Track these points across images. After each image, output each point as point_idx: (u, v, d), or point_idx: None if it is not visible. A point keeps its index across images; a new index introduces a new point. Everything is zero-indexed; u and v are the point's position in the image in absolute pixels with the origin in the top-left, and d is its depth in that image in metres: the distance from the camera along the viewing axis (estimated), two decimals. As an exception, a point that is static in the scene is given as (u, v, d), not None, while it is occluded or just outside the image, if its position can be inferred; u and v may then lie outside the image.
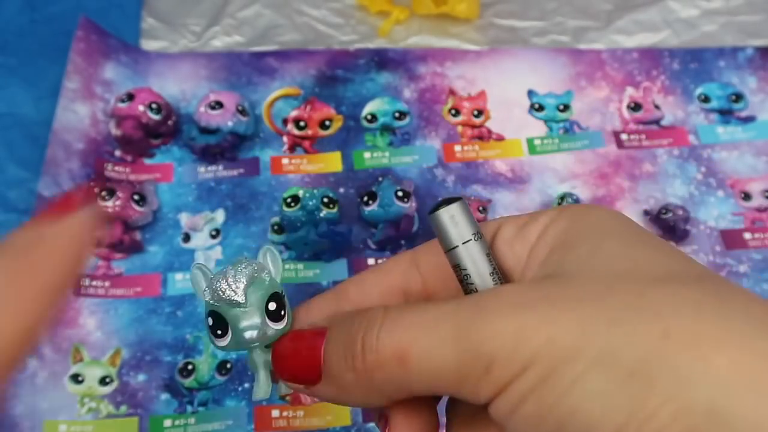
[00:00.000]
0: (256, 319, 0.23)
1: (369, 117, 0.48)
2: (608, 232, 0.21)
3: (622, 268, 0.20)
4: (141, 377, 0.38)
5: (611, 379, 0.18)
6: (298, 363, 0.23)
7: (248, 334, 0.23)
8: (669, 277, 0.20)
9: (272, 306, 0.23)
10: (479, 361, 0.19)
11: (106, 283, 0.41)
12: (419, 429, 0.23)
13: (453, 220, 0.22)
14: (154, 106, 0.46)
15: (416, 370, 0.20)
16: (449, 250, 0.23)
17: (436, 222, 0.23)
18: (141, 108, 0.46)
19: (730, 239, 0.44)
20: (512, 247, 0.23)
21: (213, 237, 0.43)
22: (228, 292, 0.23)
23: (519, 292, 0.20)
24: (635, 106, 0.49)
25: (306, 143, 0.47)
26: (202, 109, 0.46)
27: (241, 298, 0.23)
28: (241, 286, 0.23)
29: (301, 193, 0.44)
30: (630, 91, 0.49)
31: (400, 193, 0.44)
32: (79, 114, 0.45)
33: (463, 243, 0.22)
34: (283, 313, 0.23)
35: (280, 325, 0.23)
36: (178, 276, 0.41)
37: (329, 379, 0.22)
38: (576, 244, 0.21)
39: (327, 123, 0.47)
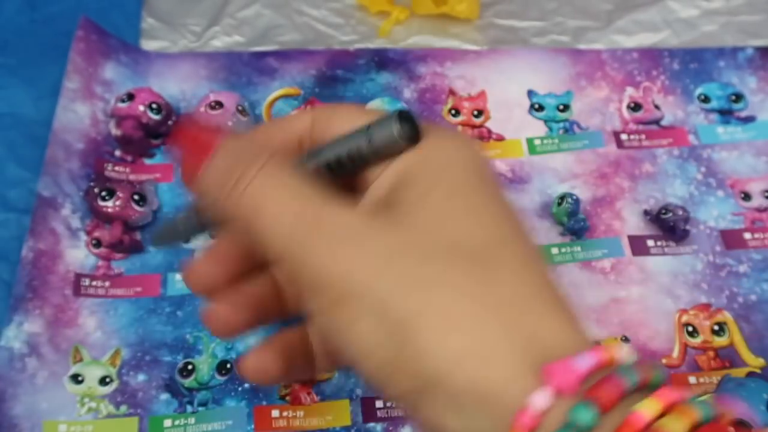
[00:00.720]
0: None
1: (369, 117, 0.48)
2: (441, 179, 0.23)
3: (434, 225, 0.22)
4: (141, 377, 0.38)
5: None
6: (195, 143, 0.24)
7: None
8: (454, 246, 0.21)
9: None
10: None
11: (106, 283, 0.41)
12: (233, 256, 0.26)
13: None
14: (154, 106, 0.46)
15: (261, 229, 0.22)
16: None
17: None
18: (141, 108, 0.46)
19: (730, 239, 0.44)
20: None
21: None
22: None
23: (354, 221, 0.22)
24: (635, 106, 0.49)
25: (306, 143, 0.47)
26: (202, 109, 0.46)
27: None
28: None
29: (301, 193, 0.44)
30: (630, 91, 0.49)
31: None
32: (79, 114, 0.45)
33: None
34: None
35: None
36: (178, 276, 0.41)
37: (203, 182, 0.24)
38: (411, 183, 0.23)
39: (327, 123, 0.47)
